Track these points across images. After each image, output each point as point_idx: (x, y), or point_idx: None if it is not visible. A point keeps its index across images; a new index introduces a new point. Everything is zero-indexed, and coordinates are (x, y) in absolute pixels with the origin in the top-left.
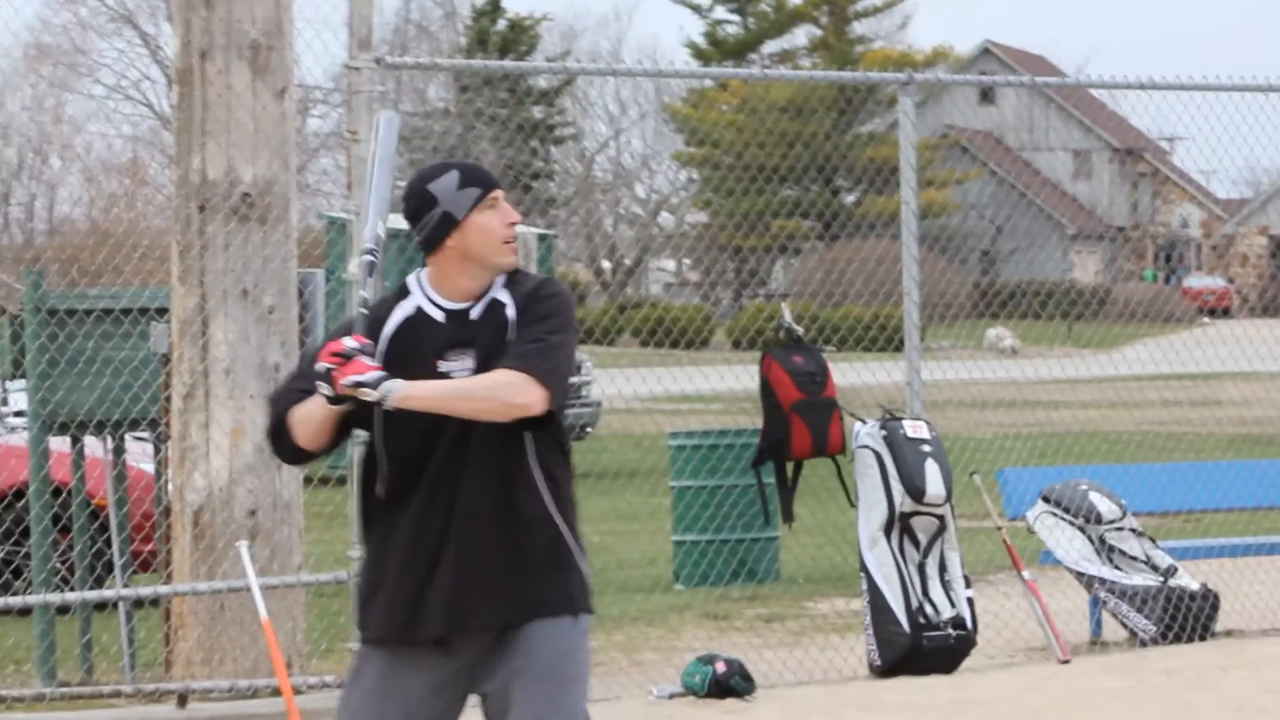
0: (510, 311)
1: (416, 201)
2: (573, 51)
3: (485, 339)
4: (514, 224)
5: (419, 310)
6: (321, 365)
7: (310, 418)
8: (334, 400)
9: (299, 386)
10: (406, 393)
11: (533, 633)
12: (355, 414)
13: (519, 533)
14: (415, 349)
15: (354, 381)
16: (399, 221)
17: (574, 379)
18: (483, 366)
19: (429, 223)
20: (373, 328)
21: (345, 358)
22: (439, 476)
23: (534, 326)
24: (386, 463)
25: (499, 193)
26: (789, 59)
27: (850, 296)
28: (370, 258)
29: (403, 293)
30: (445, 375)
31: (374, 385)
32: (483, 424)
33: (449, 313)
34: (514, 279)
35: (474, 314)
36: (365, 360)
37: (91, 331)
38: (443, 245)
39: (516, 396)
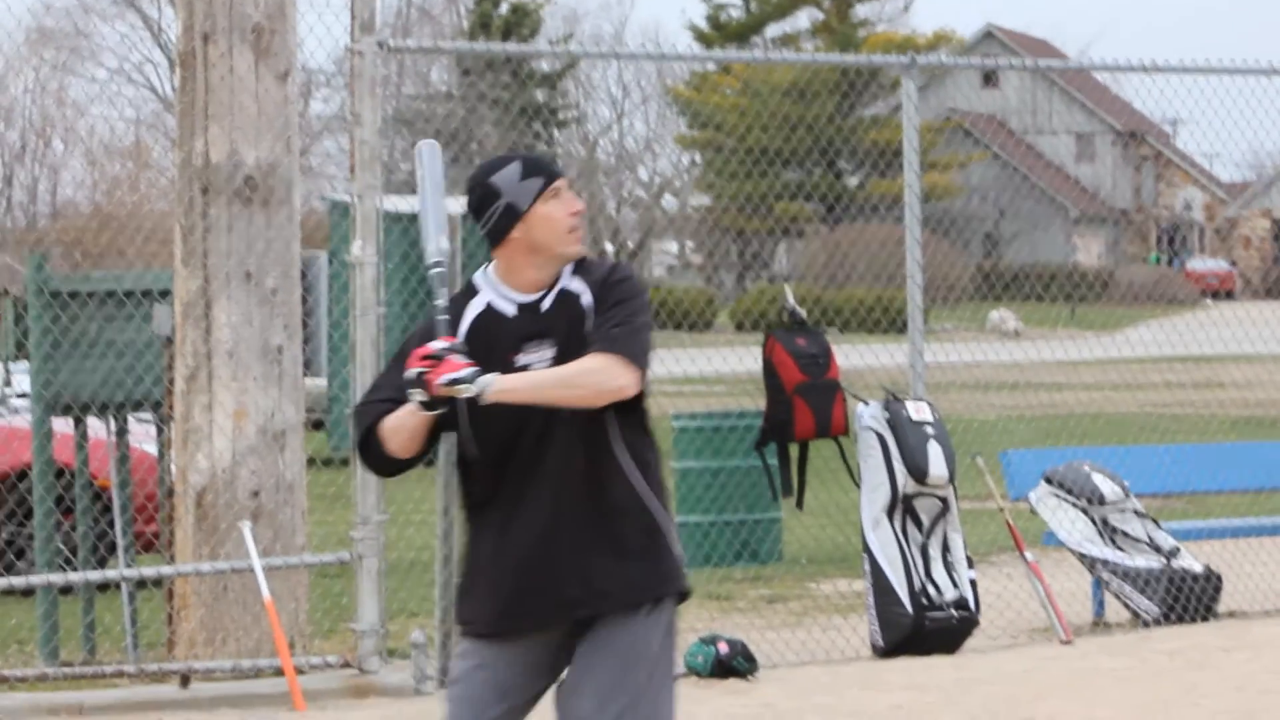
0: (586, 300)
1: (480, 195)
2: (575, 35)
3: (562, 329)
4: (578, 213)
5: (489, 306)
6: (413, 371)
7: (402, 427)
8: (429, 405)
9: (380, 398)
10: (502, 385)
11: (619, 618)
12: (447, 416)
13: (613, 520)
14: (490, 345)
15: (450, 380)
16: (400, 205)
17: None
18: (562, 357)
19: (493, 215)
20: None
21: (437, 359)
22: (528, 469)
23: (614, 311)
24: (475, 446)
25: (562, 182)
26: (791, 42)
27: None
28: (439, 269)
29: (471, 291)
30: (524, 368)
31: (470, 381)
32: (566, 413)
33: (520, 305)
34: (582, 266)
35: (545, 305)
36: (457, 359)
37: (95, 314)
38: (508, 237)
39: (610, 380)
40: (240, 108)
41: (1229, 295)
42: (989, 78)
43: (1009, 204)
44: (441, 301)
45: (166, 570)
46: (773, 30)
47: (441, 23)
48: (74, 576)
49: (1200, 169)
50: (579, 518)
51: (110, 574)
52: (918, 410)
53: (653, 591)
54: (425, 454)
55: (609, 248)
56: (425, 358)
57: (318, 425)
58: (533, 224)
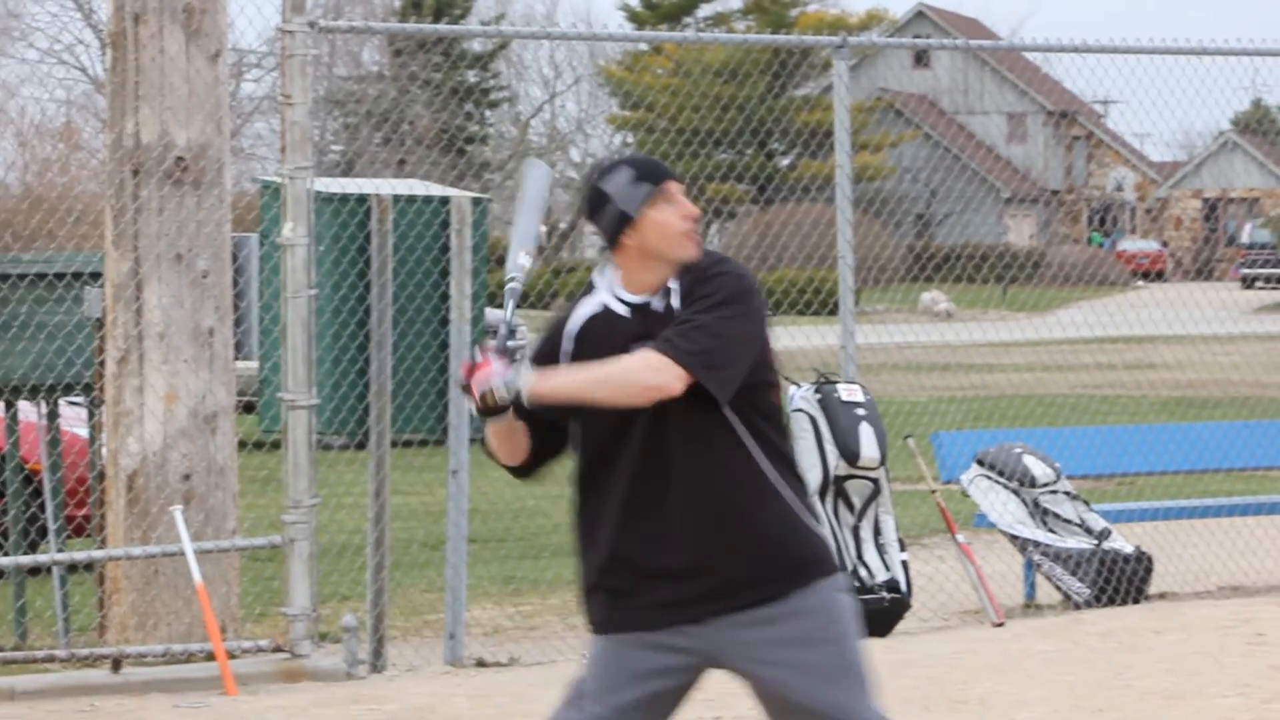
0: (675, 299)
1: (592, 200)
2: (507, 15)
3: (661, 329)
4: (690, 216)
5: (605, 307)
6: (459, 383)
7: (496, 436)
8: (484, 413)
9: None
10: (537, 386)
11: (783, 607)
12: (546, 411)
13: (744, 508)
14: (601, 345)
15: (483, 389)
16: (331, 186)
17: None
18: None
19: (605, 221)
20: (555, 327)
21: (477, 366)
22: (644, 462)
23: (691, 306)
24: (575, 443)
25: (673, 185)
26: (723, 22)
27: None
28: (514, 284)
29: (589, 289)
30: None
31: (503, 386)
32: (681, 401)
33: (633, 307)
34: (688, 264)
35: (655, 306)
36: (493, 362)
37: (25, 296)
38: (620, 243)
39: (651, 378)
40: (171, 89)
41: (1160, 276)
42: (920, 57)
43: (940, 184)
44: (508, 315)
45: (98, 554)
46: (705, 10)
47: (373, 3)
48: (4, 561)
49: (1131, 149)
50: (710, 509)
51: (41, 558)
52: (849, 392)
53: (814, 571)
54: (554, 453)
55: (541, 229)
56: (468, 370)
57: (249, 408)
58: (644, 230)
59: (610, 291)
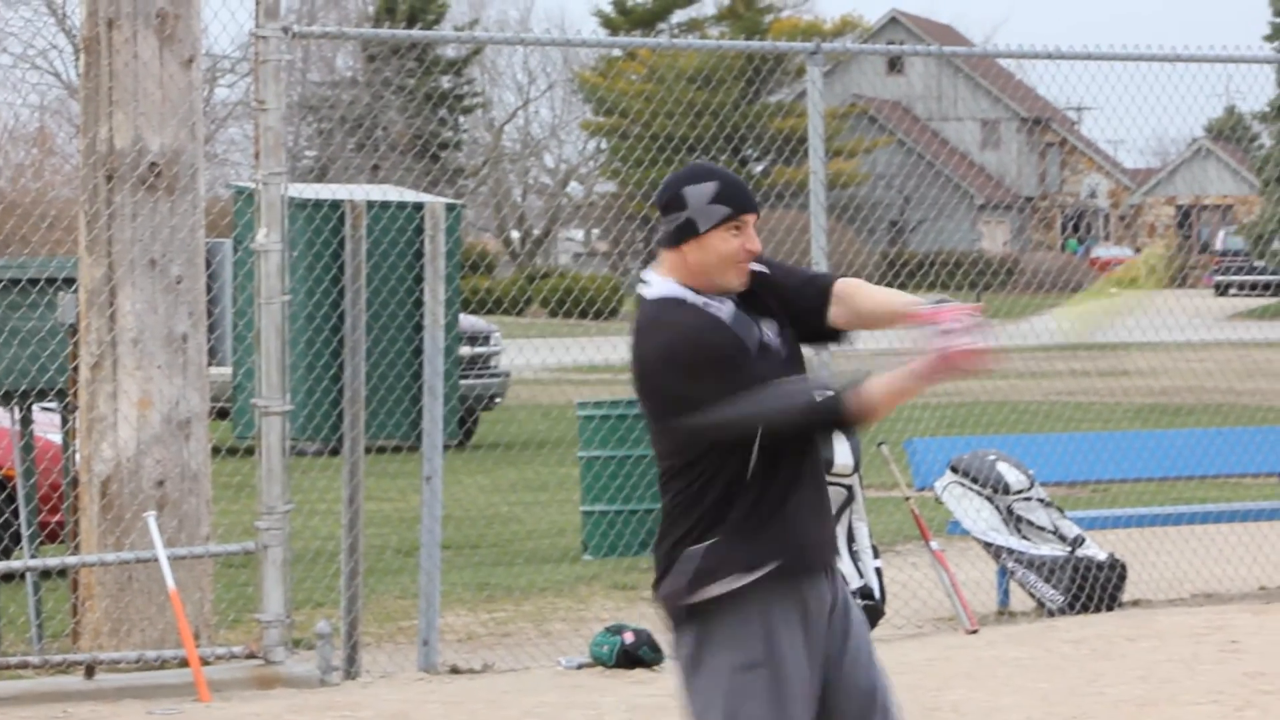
0: (762, 270)
1: (668, 198)
2: (481, 20)
3: (772, 305)
4: (754, 252)
5: (719, 315)
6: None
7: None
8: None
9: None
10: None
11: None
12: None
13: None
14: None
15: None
16: (305, 192)
17: (483, 349)
18: (783, 328)
19: (673, 222)
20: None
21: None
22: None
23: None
24: None
25: (750, 217)
26: (697, 28)
27: None
28: None
29: (685, 303)
30: (769, 346)
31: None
32: None
33: (733, 300)
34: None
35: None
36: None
37: None
38: (679, 248)
39: None
40: (145, 94)
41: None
42: (894, 64)
43: (914, 191)
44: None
45: (71, 560)
46: (679, 16)
47: (346, 8)
48: None
49: (1105, 155)
50: (822, 479)
51: (14, 564)
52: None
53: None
54: None
55: (514, 235)
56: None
57: (222, 414)
58: (704, 248)
59: (700, 297)
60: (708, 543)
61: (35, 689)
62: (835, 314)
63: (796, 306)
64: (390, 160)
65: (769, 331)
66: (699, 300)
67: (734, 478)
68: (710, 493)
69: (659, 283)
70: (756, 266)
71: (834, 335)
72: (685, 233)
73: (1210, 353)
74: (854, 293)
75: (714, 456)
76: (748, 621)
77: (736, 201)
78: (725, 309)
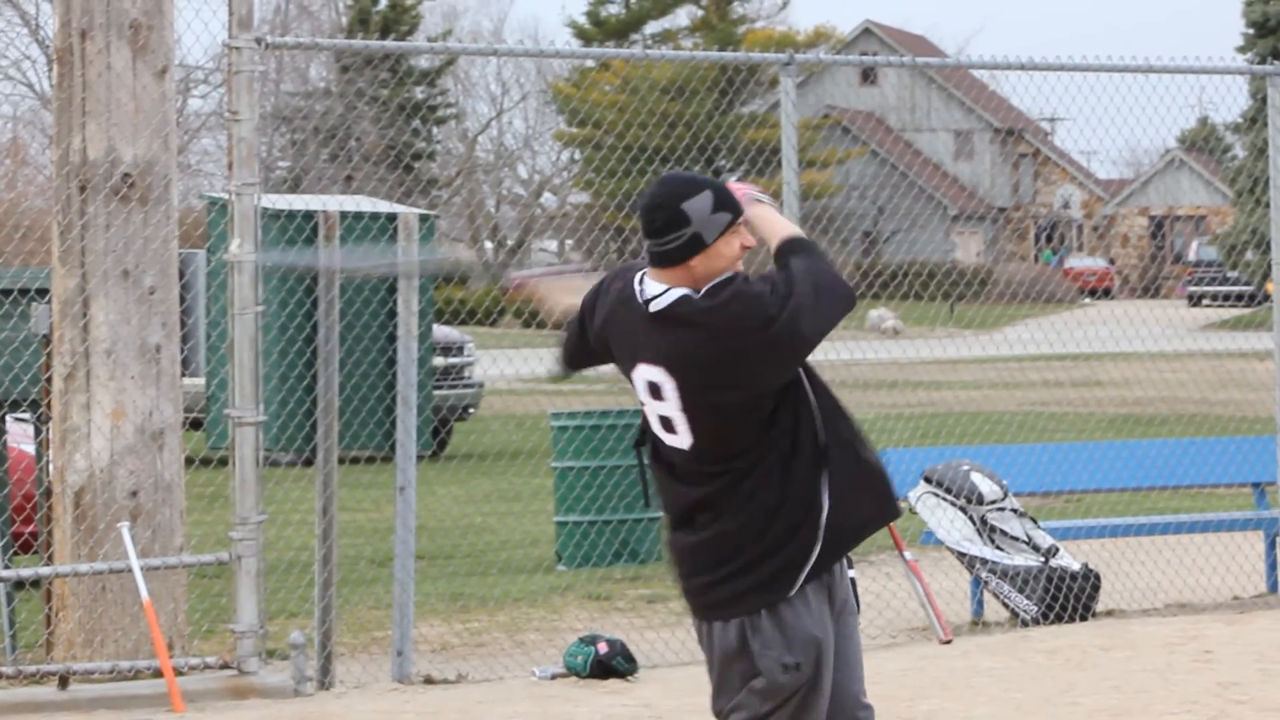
0: None
1: (668, 216)
2: (454, 31)
3: None
4: (751, 247)
5: None
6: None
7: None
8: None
9: None
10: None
11: None
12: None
13: None
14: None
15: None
16: (278, 202)
17: (456, 360)
18: None
19: (676, 240)
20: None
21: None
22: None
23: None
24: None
25: (744, 217)
26: (671, 39)
27: None
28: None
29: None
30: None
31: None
32: None
33: None
34: None
35: None
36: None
37: None
38: (684, 264)
39: None
40: (118, 104)
41: (1107, 293)
42: (867, 75)
43: (888, 202)
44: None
45: (44, 571)
46: (652, 27)
47: (320, 19)
48: None
49: (1078, 166)
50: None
51: None
52: None
53: None
54: None
55: (488, 246)
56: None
57: (196, 425)
58: (713, 256)
59: None
60: (826, 507)
61: (9, 700)
62: None
63: None
64: (364, 171)
65: None
66: None
67: (813, 440)
68: (800, 464)
69: (673, 290)
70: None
71: None
72: (694, 247)
73: (1184, 363)
74: None
75: (788, 424)
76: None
77: (733, 206)
78: None
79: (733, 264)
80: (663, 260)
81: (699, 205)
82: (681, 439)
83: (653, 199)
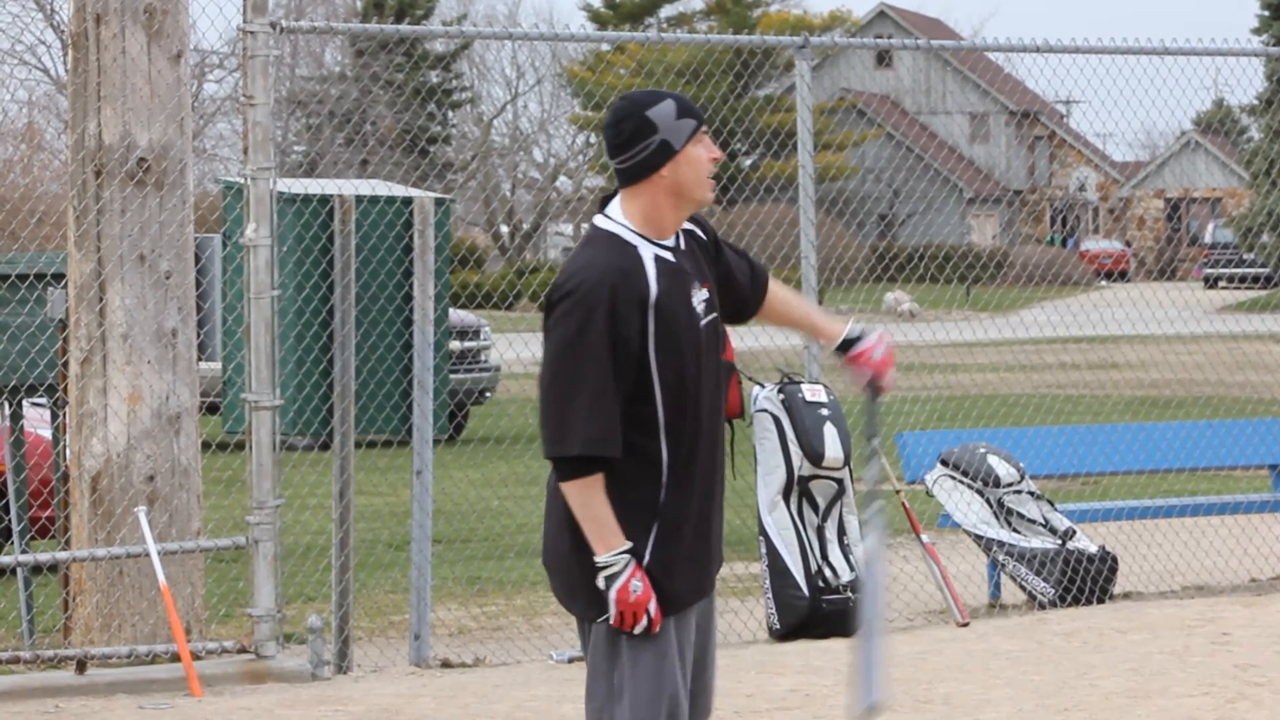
0: (699, 233)
1: (634, 126)
2: (469, 15)
3: (701, 268)
4: (718, 159)
5: (658, 256)
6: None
7: None
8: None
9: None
10: None
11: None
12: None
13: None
14: (679, 291)
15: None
16: (294, 187)
17: (472, 344)
18: (712, 294)
19: (645, 150)
20: (632, 282)
21: None
22: (712, 428)
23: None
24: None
25: (704, 128)
26: (686, 22)
27: None
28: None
29: (623, 243)
30: (701, 309)
31: None
32: (724, 367)
33: (671, 250)
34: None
35: (683, 246)
36: None
37: None
38: (655, 175)
39: None
40: (133, 89)
41: (1123, 276)
42: (882, 58)
43: (903, 185)
44: None
45: (62, 556)
46: (667, 10)
47: (335, 3)
48: None
49: (1094, 149)
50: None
51: (5, 559)
52: (813, 392)
53: None
54: None
55: (504, 229)
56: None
57: (213, 409)
58: (681, 164)
59: (643, 240)
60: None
61: (26, 684)
62: (763, 303)
63: (733, 281)
64: (379, 155)
65: (698, 294)
66: (648, 249)
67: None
68: None
69: (620, 231)
70: (688, 225)
71: (743, 319)
72: (662, 156)
73: (1200, 345)
74: (777, 291)
75: None
76: None
77: (695, 113)
78: (667, 254)
79: (705, 174)
80: (633, 175)
81: (663, 111)
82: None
83: (617, 113)
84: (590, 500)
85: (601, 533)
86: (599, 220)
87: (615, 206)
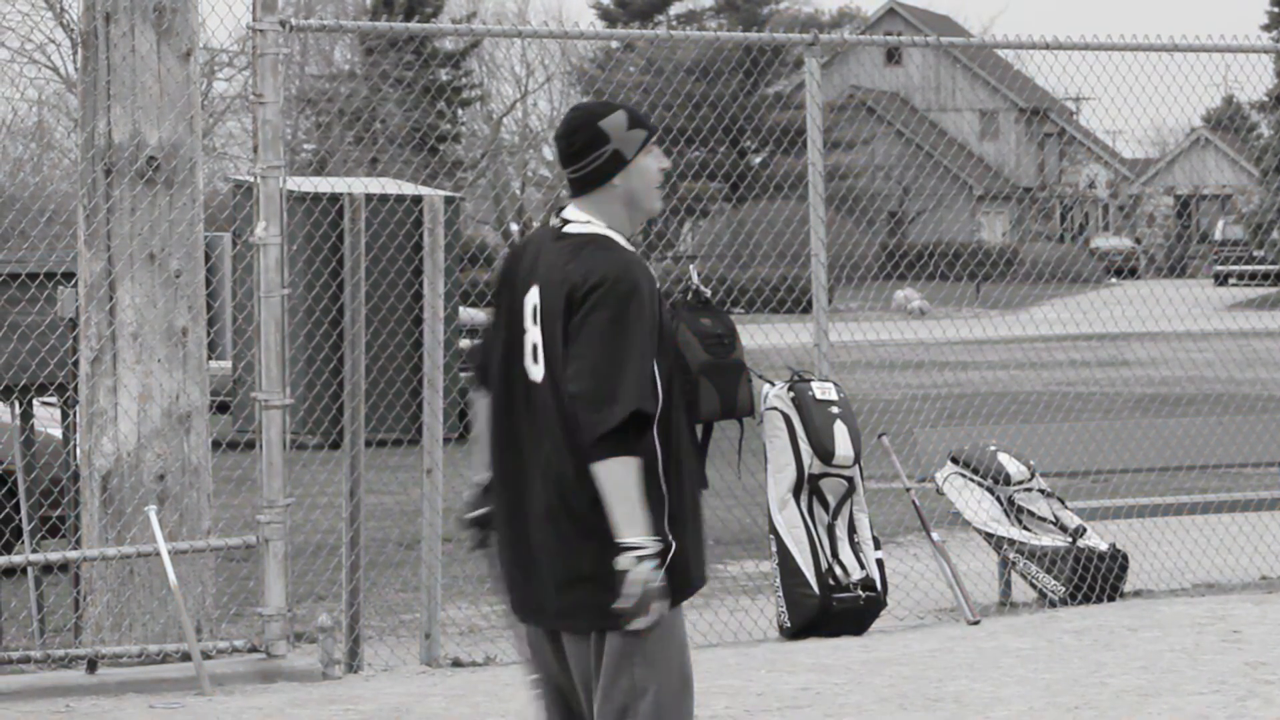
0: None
1: (587, 137)
2: (478, 13)
3: None
4: (666, 169)
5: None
6: None
7: None
8: None
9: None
10: None
11: None
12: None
13: None
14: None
15: None
16: (304, 185)
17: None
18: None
19: (598, 159)
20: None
21: None
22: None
23: None
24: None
25: (654, 138)
26: (695, 19)
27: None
28: None
29: (601, 238)
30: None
31: None
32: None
33: None
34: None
35: None
36: None
37: None
38: (608, 184)
39: None
40: (143, 88)
41: (1133, 273)
42: (892, 55)
43: (913, 182)
44: None
45: (72, 555)
46: (677, 8)
47: (344, 1)
48: None
49: (1104, 146)
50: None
51: (15, 559)
52: (823, 390)
53: None
54: None
55: (514, 227)
56: None
57: (223, 408)
58: (633, 174)
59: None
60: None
61: (38, 683)
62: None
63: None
64: (389, 153)
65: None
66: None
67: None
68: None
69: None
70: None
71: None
72: (614, 165)
73: (1210, 343)
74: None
75: None
76: None
77: (647, 124)
78: None
79: (655, 185)
80: (585, 185)
81: (615, 122)
82: None
83: (569, 123)
84: (631, 480)
85: (637, 514)
86: (589, 227)
87: (579, 213)
